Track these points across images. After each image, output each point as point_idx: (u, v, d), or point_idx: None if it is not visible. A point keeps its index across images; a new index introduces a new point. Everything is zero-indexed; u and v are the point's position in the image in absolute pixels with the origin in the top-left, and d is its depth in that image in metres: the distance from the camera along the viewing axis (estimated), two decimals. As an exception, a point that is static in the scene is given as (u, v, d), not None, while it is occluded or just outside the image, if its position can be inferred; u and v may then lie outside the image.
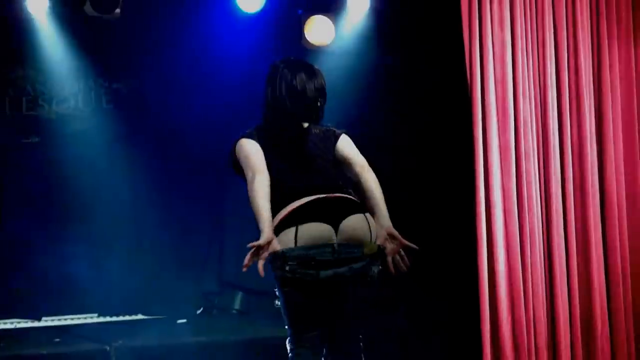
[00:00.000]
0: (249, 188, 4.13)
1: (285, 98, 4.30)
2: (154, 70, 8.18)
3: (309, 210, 4.10)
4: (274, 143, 4.27)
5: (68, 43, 7.87)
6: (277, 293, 4.21)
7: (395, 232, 4.23)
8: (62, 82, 8.29)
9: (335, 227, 4.11)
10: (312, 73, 4.38)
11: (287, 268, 4.04)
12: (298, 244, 4.05)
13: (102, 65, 8.26)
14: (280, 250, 4.01)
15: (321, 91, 4.38)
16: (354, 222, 4.15)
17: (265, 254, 3.97)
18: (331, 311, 4.19)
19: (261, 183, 4.10)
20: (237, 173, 4.34)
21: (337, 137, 4.39)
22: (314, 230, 4.07)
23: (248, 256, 3.97)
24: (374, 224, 4.20)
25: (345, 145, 4.39)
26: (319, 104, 4.38)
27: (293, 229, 4.07)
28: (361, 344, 4.23)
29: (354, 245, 4.13)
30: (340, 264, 4.11)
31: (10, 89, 8.24)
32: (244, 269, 3.99)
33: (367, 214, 4.21)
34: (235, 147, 4.32)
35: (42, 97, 8.31)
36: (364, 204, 4.23)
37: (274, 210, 4.11)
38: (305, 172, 4.24)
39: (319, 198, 4.15)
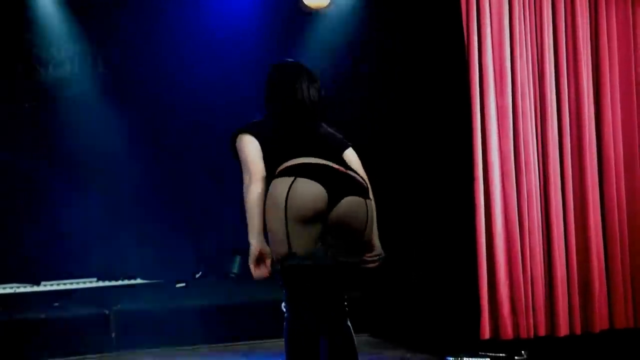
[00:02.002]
0: (244, 192, 4.17)
1: (288, 106, 4.33)
2: (150, 35, 8.16)
3: (315, 170, 4.09)
4: (280, 138, 4.27)
5: (64, 7, 7.84)
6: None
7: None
8: (59, 46, 8.26)
9: (333, 201, 4.09)
10: (312, 79, 4.40)
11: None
12: (289, 197, 4.03)
13: (99, 29, 8.22)
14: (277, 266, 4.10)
15: (319, 95, 4.40)
16: (352, 205, 4.13)
17: (268, 262, 4.10)
18: (330, 290, 4.20)
19: (256, 193, 4.13)
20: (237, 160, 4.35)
21: (346, 145, 4.41)
22: (310, 188, 4.05)
23: (254, 270, 4.11)
24: (372, 212, 4.20)
25: (352, 157, 4.40)
26: (317, 106, 4.38)
27: (290, 179, 4.06)
28: (346, 307, 4.24)
29: (349, 253, 4.15)
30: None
31: (6, 54, 8.20)
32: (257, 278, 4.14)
33: (369, 201, 4.20)
34: (235, 141, 4.31)
35: (38, 61, 8.28)
36: (367, 190, 4.23)
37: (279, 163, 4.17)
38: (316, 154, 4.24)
39: (330, 165, 4.14)
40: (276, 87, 4.40)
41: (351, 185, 4.14)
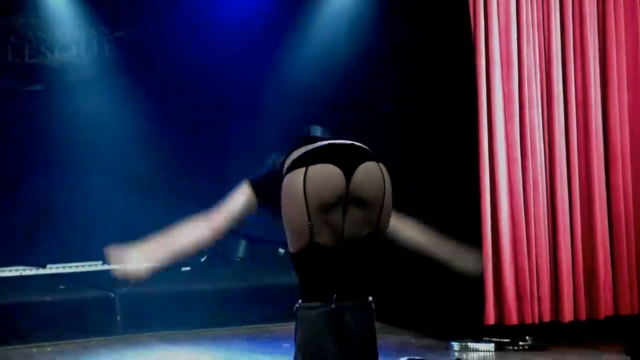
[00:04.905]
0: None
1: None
2: (156, 19, 8.16)
3: (323, 153, 4.05)
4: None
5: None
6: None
7: None
8: (64, 30, 8.25)
9: (348, 174, 4.05)
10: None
11: None
12: (307, 187, 4.00)
13: (105, 13, 8.22)
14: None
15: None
16: (368, 171, 4.09)
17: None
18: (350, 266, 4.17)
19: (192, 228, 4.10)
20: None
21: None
22: (325, 172, 4.01)
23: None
24: (387, 175, 4.16)
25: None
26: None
27: (303, 170, 4.02)
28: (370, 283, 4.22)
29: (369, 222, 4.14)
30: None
31: (12, 37, 8.20)
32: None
33: (382, 165, 4.16)
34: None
35: (44, 44, 8.27)
36: (376, 155, 4.19)
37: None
38: None
39: (332, 144, 4.11)
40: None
41: (361, 154, 4.12)
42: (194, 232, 4.10)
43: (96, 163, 8.00)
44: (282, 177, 4.02)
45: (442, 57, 6.60)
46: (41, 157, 7.95)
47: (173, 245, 4.09)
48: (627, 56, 6.59)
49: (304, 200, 3.96)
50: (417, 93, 6.83)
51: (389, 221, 4.14)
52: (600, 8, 6.57)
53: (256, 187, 4.16)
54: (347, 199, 4.01)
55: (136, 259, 4.02)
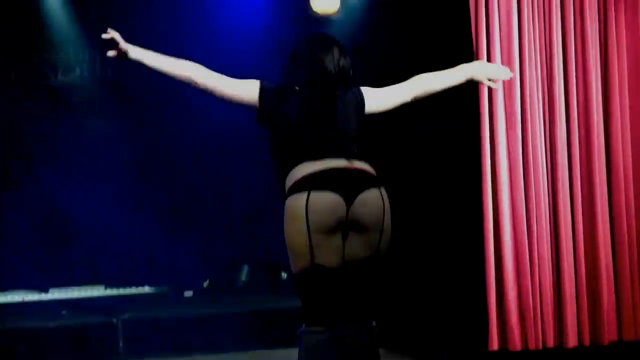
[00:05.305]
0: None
1: (312, 72, 4.27)
2: (161, 39, 8.13)
3: (324, 179, 4.07)
4: (297, 103, 4.23)
5: (74, 11, 7.85)
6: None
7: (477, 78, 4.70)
8: (68, 51, 8.27)
9: (349, 201, 4.08)
10: (343, 51, 4.34)
11: None
12: (309, 211, 4.02)
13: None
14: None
15: (350, 67, 4.34)
16: (368, 198, 4.12)
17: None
18: (352, 289, 4.17)
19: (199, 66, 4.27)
20: (260, 123, 4.33)
21: (361, 96, 4.41)
22: (326, 200, 4.04)
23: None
24: (387, 201, 4.17)
25: (371, 94, 4.45)
26: (347, 75, 4.32)
27: (305, 194, 4.04)
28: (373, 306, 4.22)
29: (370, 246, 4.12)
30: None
31: (16, 57, 8.22)
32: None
33: (382, 189, 4.18)
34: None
35: (47, 65, 8.29)
36: (377, 179, 4.20)
37: (289, 164, 4.14)
38: (325, 129, 4.20)
39: (335, 168, 4.12)
40: (302, 56, 4.32)
41: (362, 181, 4.13)
42: (193, 68, 4.29)
43: (100, 186, 8.00)
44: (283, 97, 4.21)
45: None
46: (44, 179, 7.95)
47: (172, 62, 4.29)
48: (628, 75, 6.53)
49: (305, 223, 4.03)
50: (417, 111, 6.79)
51: (389, 245, 4.18)
52: (602, 25, 6.52)
53: (265, 91, 4.26)
54: (347, 225, 4.07)
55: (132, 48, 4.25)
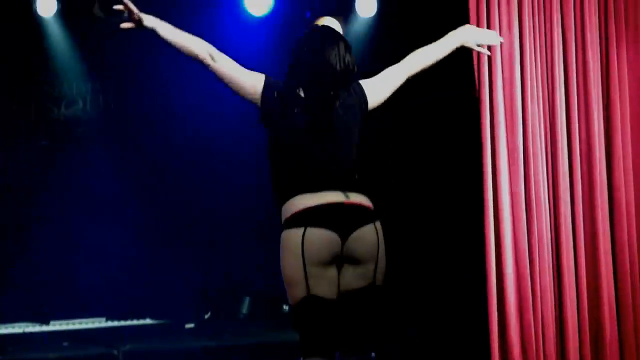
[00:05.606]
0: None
1: (314, 71, 4.23)
2: (162, 72, 8.19)
3: (321, 215, 4.08)
4: (298, 111, 4.20)
5: (76, 45, 7.89)
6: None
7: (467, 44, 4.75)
8: (71, 84, 8.30)
9: (344, 237, 4.10)
10: (348, 47, 4.30)
11: None
12: (305, 247, 4.03)
13: (110, 67, 8.26)
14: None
15: (354, 64, 4.31)
16: (363, 235, 4.13)
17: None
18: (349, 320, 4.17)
19: (208, 47, 4.28)
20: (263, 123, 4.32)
21: (363, 95, 4.38)
22: (322, 237, 4.06)
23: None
24: (381, 233, 4.18)
25: (371, 87, 4.41)
26: (350, 74, 4.30)
27: (301, 230, 4.05)
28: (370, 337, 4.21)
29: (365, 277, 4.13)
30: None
31: (19, 91, 8.25)
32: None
33: (377, 223, 4.19)
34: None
35: (50, 99, 8.32)
36: (373, 213, 4.20)
37: (287, 181, 4.15)
38: (324, 144, 4.18)
39: (332, 204, 4.13)
40: (305, 51, 4.28)
41: (358, 216, 4.14)
42: (203, 45, 4.28)
43: (101, 218, 8.00)
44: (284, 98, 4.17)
45: (446, 111, 6.61)
46: (44, 213, 7.96)
47: (184, 36, 4.27)
48: (630, 111, 6.56)
49: (301, 257, 4.05)
50: (420, 148, 6.83)
51: (384, 275, 4.21)
52: (604, 61, 6.55)
53: (267, 90, 4.24)
54: (342, 258, 4.08)
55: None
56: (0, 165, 8.04)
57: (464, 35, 4.78)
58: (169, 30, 4.27)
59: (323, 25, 4.51)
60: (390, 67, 4.53)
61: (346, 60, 4.25)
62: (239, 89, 4.30)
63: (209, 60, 4.29)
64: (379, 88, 4.44)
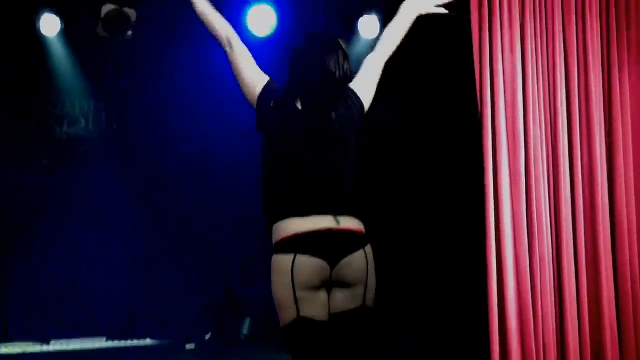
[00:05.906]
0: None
1: (311, 80, 4.24)
2: (164, 92, 8.22)
3: (311, 242, 4.09)
4: (294, 123, 4.19)
5: (80, 64, 7.92)
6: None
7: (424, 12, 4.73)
8: (73, 103, 8.32)
9: (334, 264, 4.11)
10: (346, 55, 4.32)
11: None
12: (294, 274, 4.05)
13: (113, 86, 8.29)
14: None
15: (346, 75, 4.32)
16: (353, 261, 4.15)
17: None
18: (341, 342, 4.17)
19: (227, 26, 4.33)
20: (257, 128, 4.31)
21: (359, 101, 4.37)
22: (312, 265, 4.08)
23: None
24: (372, 260, 4.19)
25: (362, 87, 4.40)
26: (347, 82, 4.31)
27: (291, 256, 4.07)
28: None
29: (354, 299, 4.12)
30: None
31: (22, 110, 8.27)
32: None
33: (367, 249, 4.21)
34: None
35: (53, 118, 8.34)
36: (363, 238, 4.20)
37: (279, 198, 4.13)
38: (319, 156, 4.16)
39: (322, 231, 4.12)
40: (304, 58, 4.30)
41: (348, 243, 4.15)
42: (222, 25, 4.35)
43: (102, 238, 8.01)
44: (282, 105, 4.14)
45: (449, 134, 6.61)
46: (46, 232, 7.97)
47: (212, 11, 4.34)
48: (632, 136, 6.57)
49: (291, 283, 4.09)
50: (423, 170, 6.83)
51: (374, 296, 4.21)
52: (606, 85, 6.56)
53: (265, 94, 4.25)
54: (332, 283, 4.10)
55: None
56: (1, 184, 8.04)
57: (416, 6, 4.77)
58: (203, 3, 4.31)
59: (322, 33, 4.52)
60: (368, 57, 4.53)
61: (345, 69, 4.27)
62: (242, 86, 4.32)
63: (226, 47, 4.31)
64: (368, 84, 4.44)
